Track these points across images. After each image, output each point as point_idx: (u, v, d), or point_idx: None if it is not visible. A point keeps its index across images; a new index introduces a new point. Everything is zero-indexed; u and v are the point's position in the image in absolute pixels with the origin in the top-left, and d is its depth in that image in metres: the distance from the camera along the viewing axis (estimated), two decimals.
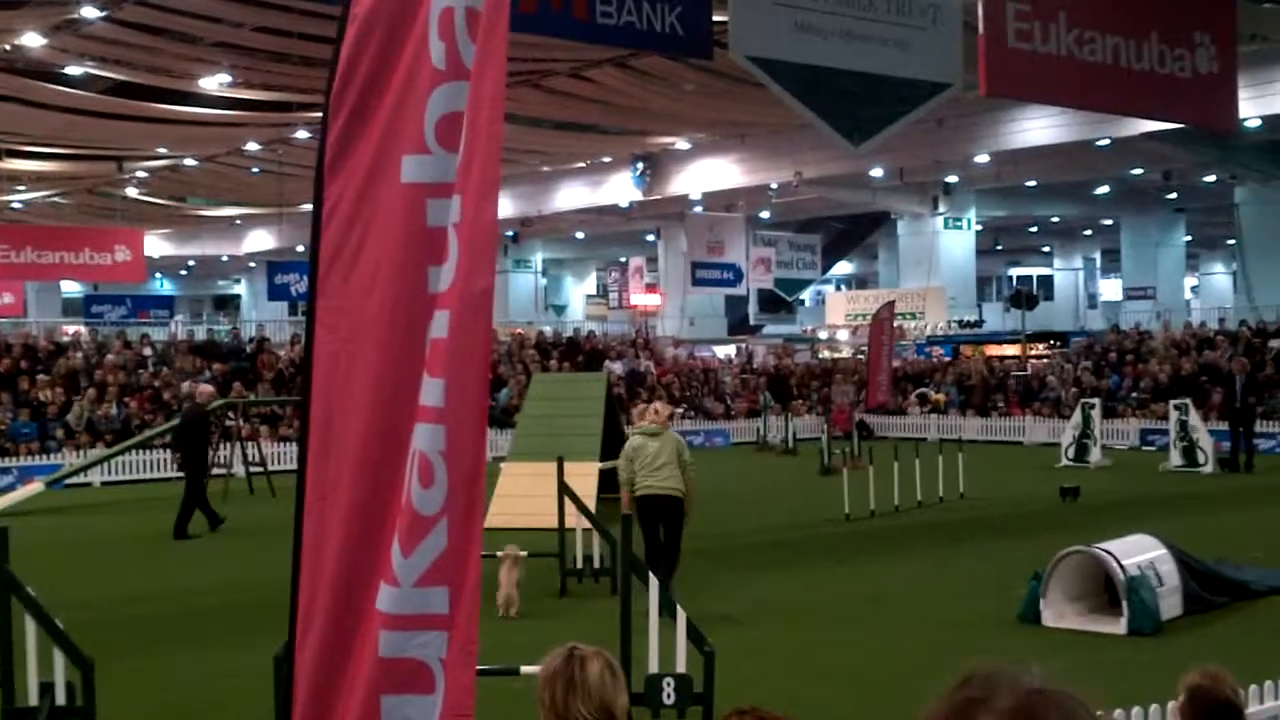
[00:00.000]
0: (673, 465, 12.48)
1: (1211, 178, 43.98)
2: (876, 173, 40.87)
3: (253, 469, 24.49)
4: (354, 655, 3.69)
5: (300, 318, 44.87)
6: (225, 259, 61.85)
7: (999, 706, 1.77)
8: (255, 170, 40.18)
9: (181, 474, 20.27)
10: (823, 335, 54.97)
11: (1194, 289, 65.27)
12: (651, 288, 55.16)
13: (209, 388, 22.64)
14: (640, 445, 12.67)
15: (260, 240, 56.07)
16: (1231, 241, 51.01)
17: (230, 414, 25.61)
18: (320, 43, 23.85)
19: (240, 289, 72.78)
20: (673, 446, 12.60)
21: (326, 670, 3.73)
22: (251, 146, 36.16)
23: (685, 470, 12.54)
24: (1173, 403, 27.26)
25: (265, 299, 48.81)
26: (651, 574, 8.93)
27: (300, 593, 3.81)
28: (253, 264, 61.04)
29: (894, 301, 37.64)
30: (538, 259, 61.94)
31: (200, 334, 38.65)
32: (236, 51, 26.77)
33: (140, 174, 40.95)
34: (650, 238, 56.90)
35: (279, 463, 26.14)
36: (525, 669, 8.95)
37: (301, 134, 33.47)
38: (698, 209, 45.89)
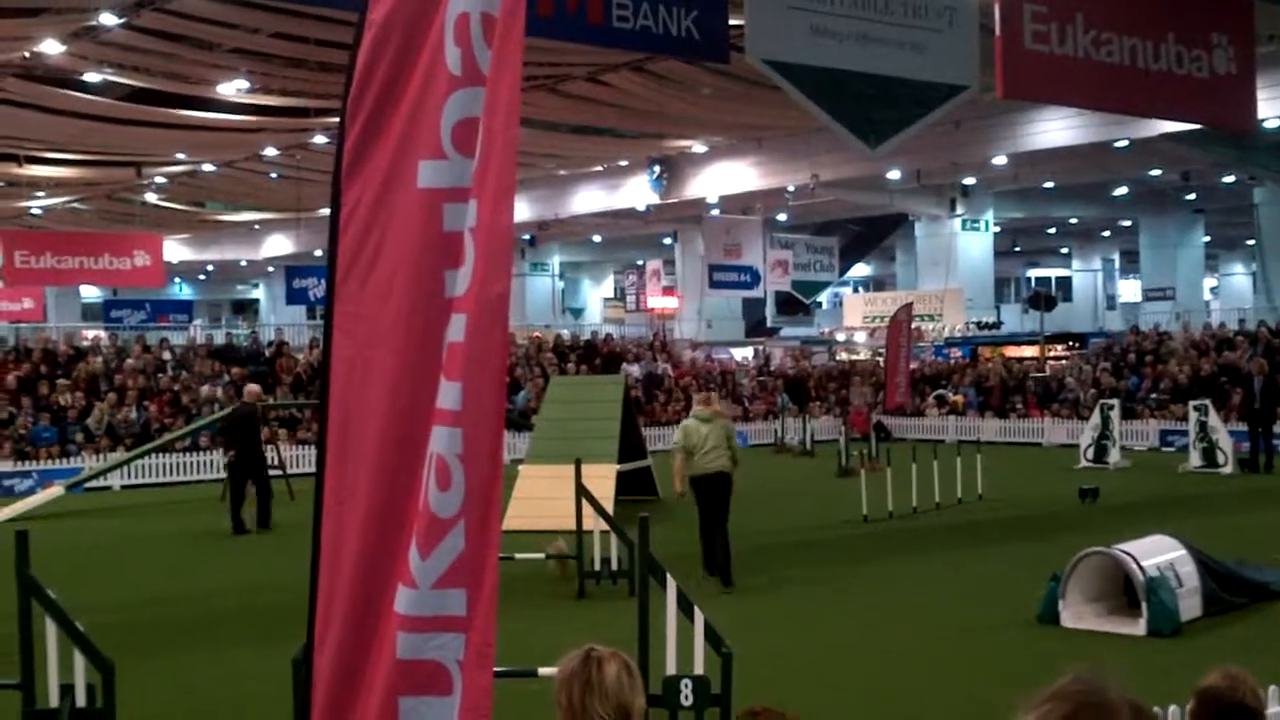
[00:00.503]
0: (721, 448, 14.29)
1: (1230, 178, 43.81)
2: (894, 175, 40.84)
3: (271, 471, 24.56)
4: (372, 657, 3.71)
5: (318, 321, 45.07)
6: (243, 264, 62.09)
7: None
8: (273, 175, 40.32)
9: (225, 474, 20.43)
10: (840, 337, 54.94)
11: (1213, 290, 65.05)
12: (669, 290, 55.18)
13: (256, 387, 22.76)
14: (693, 428, 14.47)
15: (278, 245, 56.26)
16: (1251, 242, 50.83)
17: None
18: (337, 48, 23.92)
19: (258, 293, 73.05)
20: (721, 431, 14.41)
21: (345, 672, 3.76)
22: (269, 152, 36.29)
23: (733, 451, 14.42)
24: (1192, 404, 27.16)
25: (283, 303, 48.94)
26: (668, 577, 8.93)
27: (318, 595, 3.84)
28: (271, 268, 61.27)
29: (912, 303, 37.59)
30: (555, 262, 62.03)
31: (219, 338, 38.84)
32: (254, 57, 26.87)
33: (159, 179, 41.11)
34: (667, 241, 56.93)
35: (297, 465, 26.23)
36: (542, 670, 8.97)
37: (319, 139, 33.58)
38: (715, 212, 45.88)
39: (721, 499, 14.34)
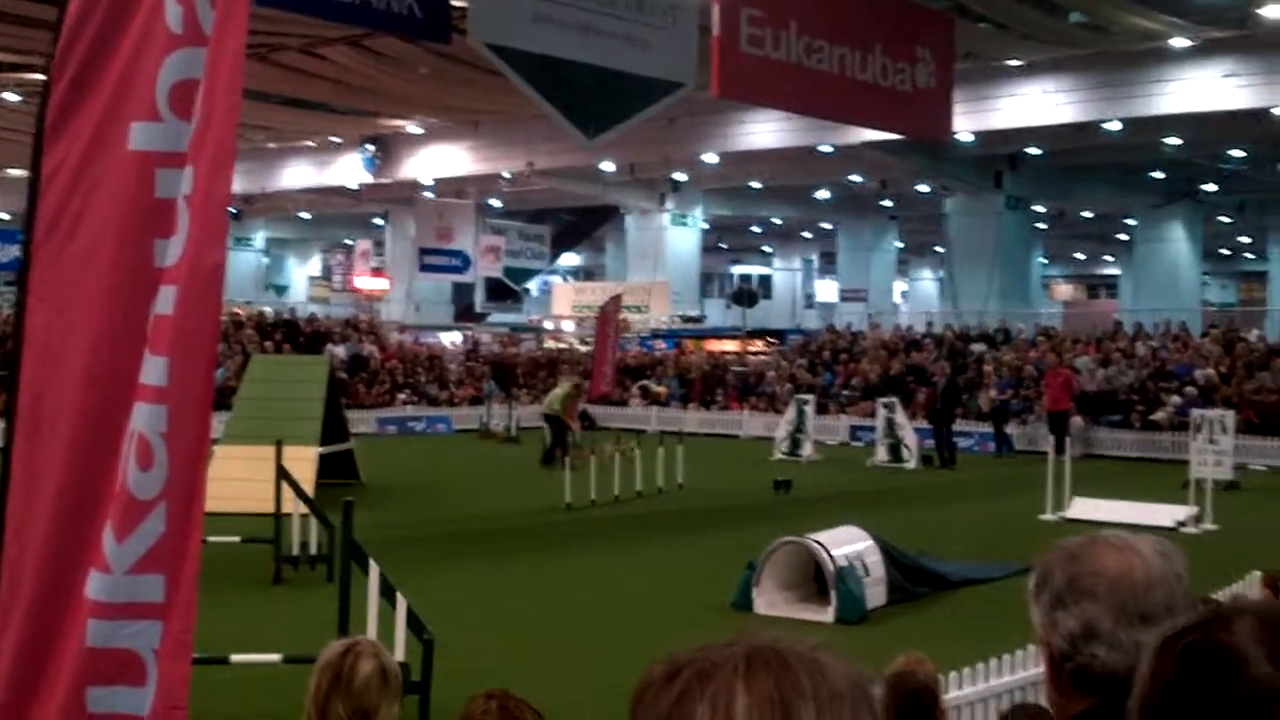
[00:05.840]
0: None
1: (924, 187, 45.91)
2: (608, 167, 41.30)
3: None
4: (59, 645, 3.50)
5: (6, 288, 42.63)
6: None
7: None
8: None
9: None
10: (549, 325, 55.23)
11: (904, 293, 68.05)
12: (378, 271, 54.41)
13: None
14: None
15: None
16: (940, 249, 53.37)
17: None
18: (40, 3, 22.60)
19: None
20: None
21: (28, 660, 3.54)
22: None
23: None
24: (881, 401, 28.35)
25: None
26: (371, 561, 8.79)
27: (2, 578, 3.60)
28: None
29: (620, 295, 38.11)
30: (260, 237, 60.41)
31: None
32: None
33: None
34: (378, 221, 56.14)
35: None
36: (234, 657, 8.72)
37: (10, 96, 31.71)
38: (428, 194, 45.48)
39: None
